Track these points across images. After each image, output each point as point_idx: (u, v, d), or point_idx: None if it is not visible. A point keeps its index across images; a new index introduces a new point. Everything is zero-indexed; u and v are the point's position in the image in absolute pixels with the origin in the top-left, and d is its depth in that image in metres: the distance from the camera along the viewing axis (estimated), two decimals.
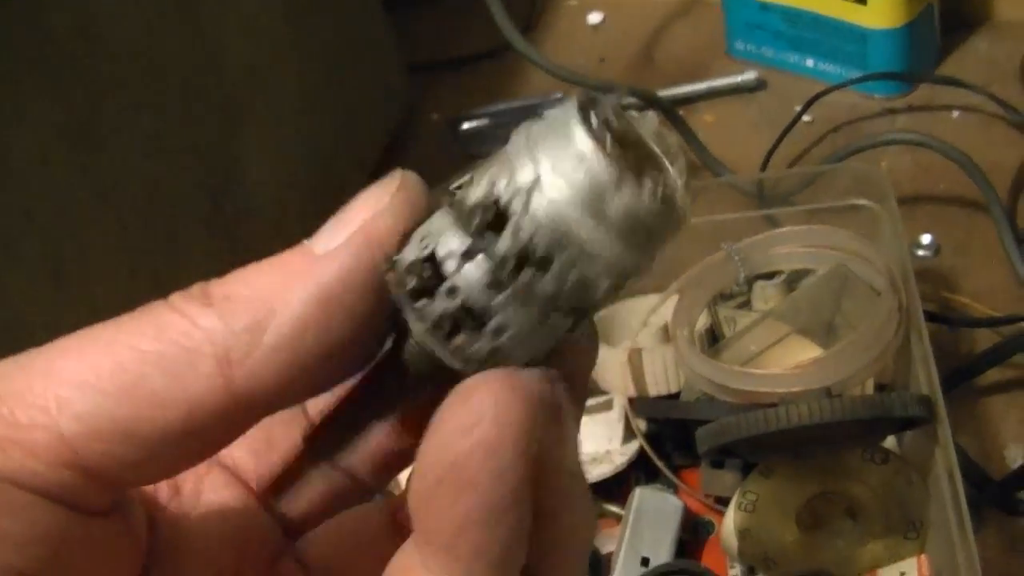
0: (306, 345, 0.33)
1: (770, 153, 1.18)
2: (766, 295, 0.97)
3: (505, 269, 0.32)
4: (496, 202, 0.33)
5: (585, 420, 0.96)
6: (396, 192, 0.36)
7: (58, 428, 0.32)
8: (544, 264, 0.32)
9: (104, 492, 0.33)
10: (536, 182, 0.32)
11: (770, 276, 0.98)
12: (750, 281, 0.98)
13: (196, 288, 0.34)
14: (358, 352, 0.35)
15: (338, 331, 0.34)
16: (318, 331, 0.33)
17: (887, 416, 0.79)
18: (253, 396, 0.33)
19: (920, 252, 1.11)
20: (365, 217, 0.35)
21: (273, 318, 0.33)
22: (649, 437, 0.96)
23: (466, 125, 1.32)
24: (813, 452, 0.85)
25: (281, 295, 0.33)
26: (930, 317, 1.00)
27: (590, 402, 0.99)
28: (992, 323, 1.03)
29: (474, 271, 0.33)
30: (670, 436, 0.97)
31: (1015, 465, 0.97)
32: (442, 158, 1.30)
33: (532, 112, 1.08)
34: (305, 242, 0.35)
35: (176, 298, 0.34)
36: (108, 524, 0.34)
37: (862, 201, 0.96)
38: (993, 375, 1.02)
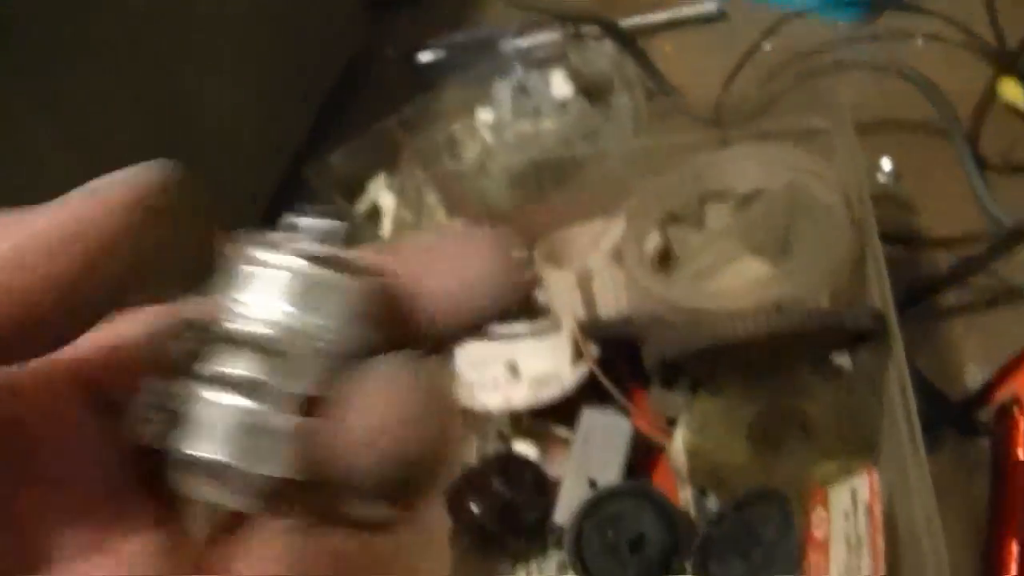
0: None
1: (729, 79, 1.16)
2: (719, 215, 0.95)
3: None
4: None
5: (533, 343, 0.94)
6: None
7: None
8: None
9: None
10: None
11: (723, 197, 0.96)
12: (703, 201, 0.95)
13: None
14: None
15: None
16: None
17: (837, 328, 0.78)
18: None
19: (880, 177, 1.09)
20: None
21: None
22: (601, 362, 0.94)
23: (422, 56, 1.30)
24: (763, 368, 0.83)
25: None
26: (888, 239, 0.98)
27: (539, 324, 0.97)
28: (950, 244, 1.01)
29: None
30: (622, 360, 0.95)
31: (973, 387, 0.95)
32: (399, 90, 1.28)
33: (489, 43, 1.06)
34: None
35: None
36: None
37: (817, 122, 0.93)
38: (953, 298, 1.00)
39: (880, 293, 0.82)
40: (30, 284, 0.29)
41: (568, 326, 0.95)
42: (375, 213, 1.16)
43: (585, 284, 0.94)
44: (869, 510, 0.80)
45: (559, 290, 0.96)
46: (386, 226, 1.08)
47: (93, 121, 0.91)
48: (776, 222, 0.91)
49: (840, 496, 0.83)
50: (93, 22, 0.91)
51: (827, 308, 0.79)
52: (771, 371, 0.83)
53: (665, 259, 0.95)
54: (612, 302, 0.95)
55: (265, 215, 1.19)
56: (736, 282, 0.87)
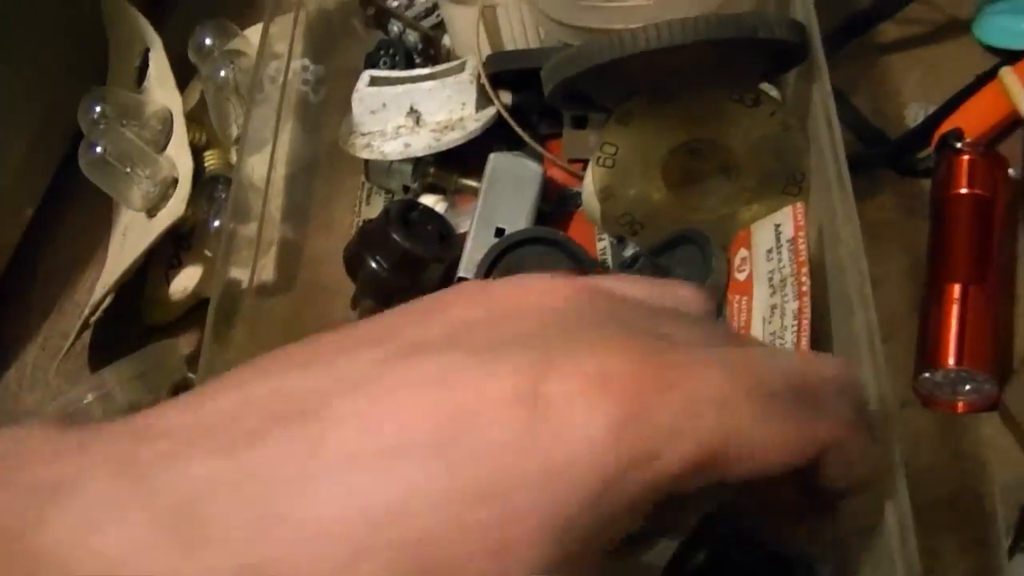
0: None
1: None
2: None
3: None
4: None
5: (435, 85, 0.87)
6: None
7: None
8: None
9: None
10: None
11: None
12: None
13: None
14: None
15: None
16: None
17: (749, 39, 0.69)
18: None
19: None
20: None
21: None
22: (512, 108, 0.86)
23: None
24: (676, 93, 0.75)
25: None
26: None
27: (441, 66, 0.90)
28: None
29: None
30: (534, 105, 0.88)
31: (914, 125, 0.88)
32: None
33: None
34: None
35: None
36: None
37: None
38: (893, 32, 0.93)
39: (802, 7, 0.74)
40: None
41: (472, 66, 0.87)
42: None
43: (489, 19, 0.86)
44: (793, 245, 0.73)
45: (461, 28, 0.89)
46: None
47: None
48: None
49: (763, 234, 0.76)
50: None
51: (738, 16, 0.70)
52: (687, 97, 0.75)
53: None
54: (520, 36, 0.88)
55: None
56: None
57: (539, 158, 0.86)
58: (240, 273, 0.76)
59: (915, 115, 0.89)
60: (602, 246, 0.84)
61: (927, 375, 0.74)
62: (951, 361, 0.74)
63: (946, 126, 0.85)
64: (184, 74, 1.03)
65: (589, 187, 0.79)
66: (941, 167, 0.82)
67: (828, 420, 0.40)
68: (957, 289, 0.76)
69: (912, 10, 0.91)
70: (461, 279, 0.81)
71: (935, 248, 0.80)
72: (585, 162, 0.84)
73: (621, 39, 0.69)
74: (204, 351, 0.70)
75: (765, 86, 0.79)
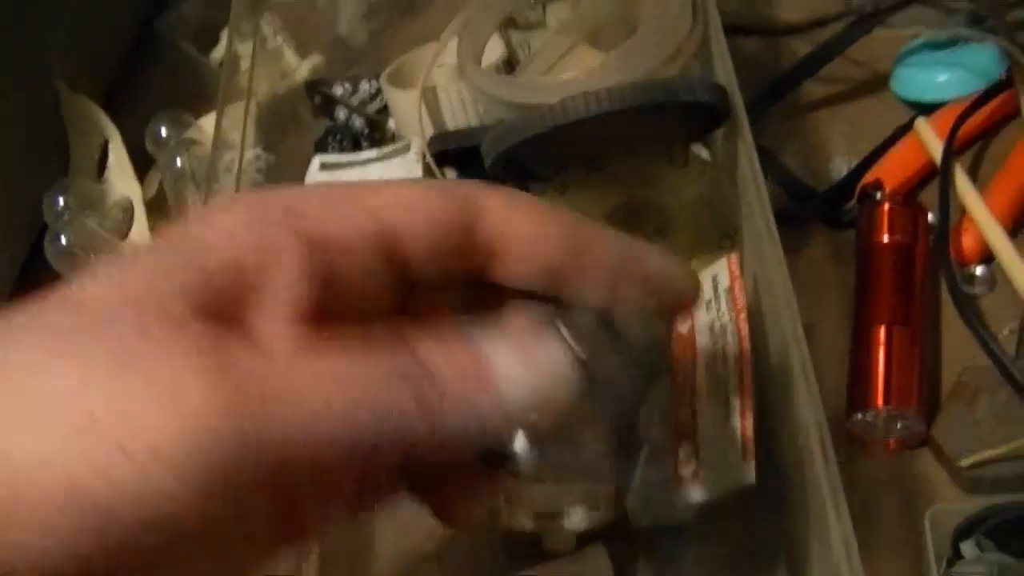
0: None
1: None
2: (559, 13, 0.91)
3: None
4: None
5: (381, 167, 0.91)
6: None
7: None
8: None
9: None
10: None
11: None
12: (543, 3, 0.92)
13: None
14: None
15: None
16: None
17: (672, 102, 0.74)
18: None
19: None
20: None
21: None
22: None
23: None
24: (610, 159, 0.80)
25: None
26: (742, 30, 0.95)
27: (386, 148, 0.94)
28: (804, 29, 0.99)
29: None
30: (475, 178, 0.92)
31: (839, 178, 0.93)
32: None
33: None
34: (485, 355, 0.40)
35: None
36: None
37: None
38: (817, 90, 0.98)
39: (724, 72, 0.79)
40: None
41: (417, 146, 0.91)
42: (232, 62, 1.13)
43: (430, 101, 0.91)
44: (730, 294, 0.77)
45: (405, 110, 0.93)
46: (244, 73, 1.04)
47: None
48: (615, 11, 0.87)
49: (701, 285, 0.80)
50: None
51: (660, 81, 0.75)
52: (619, 163, 0.80)
53: (509, 67, 0.92)
54: (460, 114, 0.92)
55: (119, 72, 1.16)
56: (574, 72, 0.83)
57: None
58: None
59: (839, 168, 0.94)
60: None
61: (859, 415, 0.79)
62: (880, 401, 0.78)
63: (868, 178, 0.90)
64: (143, 164, 1.06)
65: None
66: (863, 217, 0.87)
67: None
68: (883, 331, 0.81)
69: (833, 67, 0.96)
70: None
71: (861, 293, 0.84)
72: None
73: (553, 110, 0.73)
74: None
75: (696, 147, 0.84)
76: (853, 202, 0.91)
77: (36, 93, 1.06)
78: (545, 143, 0.76)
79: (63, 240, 0.97)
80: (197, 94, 1.13)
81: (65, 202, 1.01)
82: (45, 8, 1.03)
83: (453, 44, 0.91)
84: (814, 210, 0.91)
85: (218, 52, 1.14)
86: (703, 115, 0.78)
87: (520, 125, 0.75)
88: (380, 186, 0.42)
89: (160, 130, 1.04)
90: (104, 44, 1.14)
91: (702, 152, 0.86)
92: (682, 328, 0.79)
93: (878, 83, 0.97)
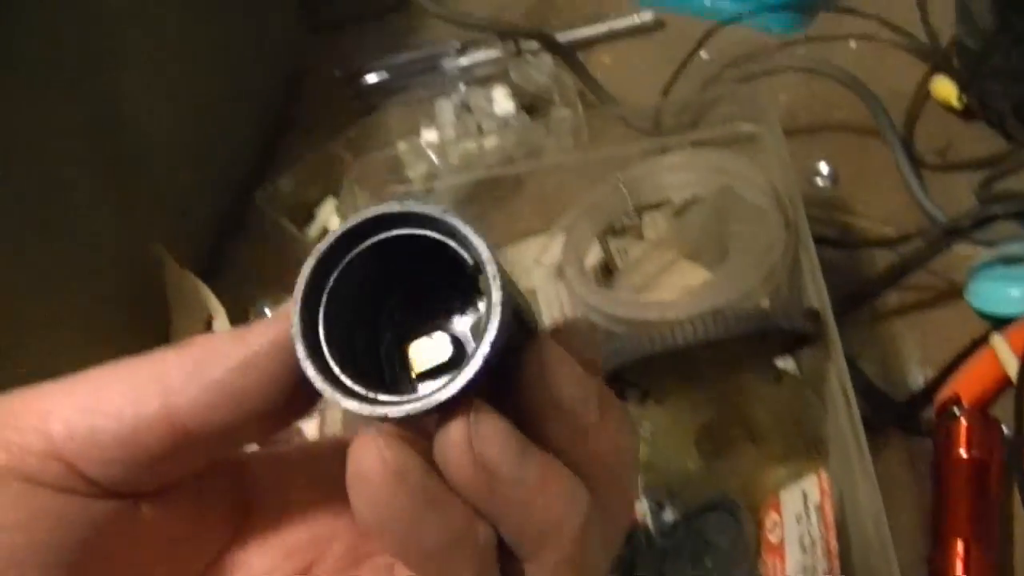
0: (230, 395, 0.40)
1: (667, 89, 1.18)
2: (656, 224, 0.96)
3: None
4: None
5: None
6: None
7: (47, 431, 0.40)
8: None
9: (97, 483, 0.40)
10: None
11: (659, 206, 0.97)
12: (640, 211, 0.97)
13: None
14: (274, 411, 0.41)
15: (255, 389, 0.40)
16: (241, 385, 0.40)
17: (772, 329, 0.79)
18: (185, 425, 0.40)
19: (819, 181, 1.11)
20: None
21: (211, 367, 0.40)
22: None
23: (366, 78, 1.31)
24: (707, 376, 0.84)
25: (222, 350, 0.41)
26: (828, 242, 0.99)
27: None
28: (887, 243, 1.03)
29: None
30: None
31: (916, 387, 0.97)
32: (343, 112, 1.29)
33: (431, 62, 1.06)
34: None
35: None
36: (154, 507, 0.42)
37: (747, 126, 0.95)
38: (894, 299, 1.02)
39: (816, 293, 0.84)
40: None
41: None
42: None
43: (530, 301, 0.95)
44: (820, 511, 0.81)
45: None
46: None
47: (30, 149, 0.91)
48: (711, 228, 0.92)
49: (791, 499, 0.84)
50: (26, 47, 0.90)
51: (762, 310, 0.80)
52: (716, 378, 0.84)
53: (606, 271, 0.97)
54: (557, 318, 0.96)
55: (215, 242, 1.20)
56: (675, 290, 0.88)
57: None
58: None
59: (915, 377, 0.98)
60: (641, 508, 0.92)
61: None
62: None
63: (944, 390, 0.94)
64: None
65: None
66: (941, 432, 0.91)
67: None
68: (960, 545, 0.85)
69: (910, 277, 1.00)
70: None
71: (939, 506, 0.88)
72: None
73: (663, 334, 0.78)
74: None
75: (783, 358, 0.88)
76: (929, 411, 0.94)
77: (137, 264, 1.08)
78: (648, 360, 0.80)
79: None
80: (292, 269, 1.18)
81: None
82: (150, 179, 1.06)
83: (549, 243, 0.96)
84: (891, 417, 0.95)
85: (313, 229, 1.18)
86: (797, 338, 0.83)
87: (630, 347, 0.79)
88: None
89: (263, 312, 1.09)
90: (206, 216, 1.18)
91: (788, 363, 0.90)
92: (772, 537, 0.83)
93: (953, 294, 1.01)
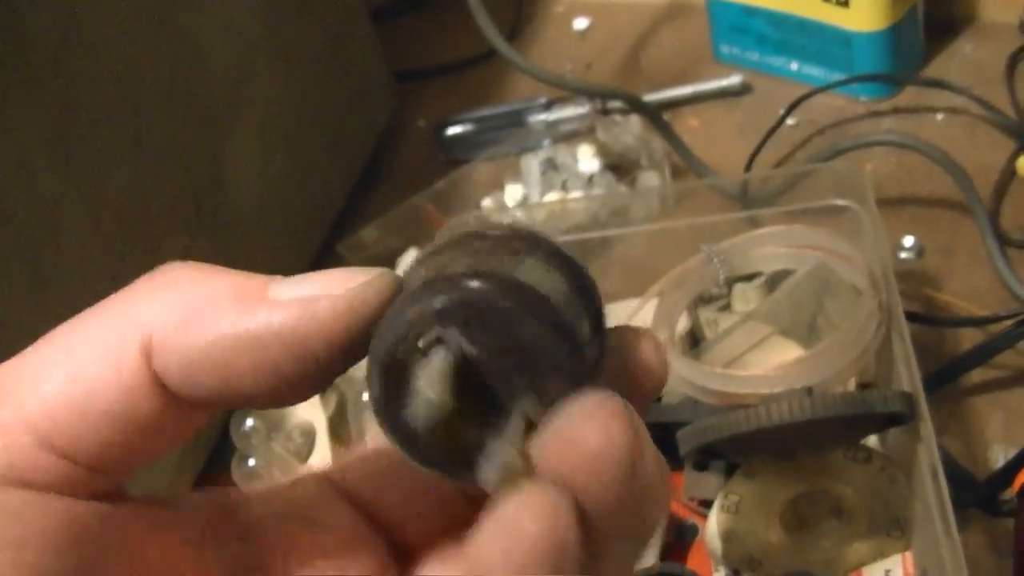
0: (212, 370, 0.36)
1: (753, 155, 1.18)
2: (747, 296, 0.97)
3: None
4: None
5: None
6: (368, 283, 0.37)
7: (26, 416, 0.35)
8: None
9: (92, 476, 0.36)
10: None
11: (750, 278, 0.98)
12: (730, 283, 0.97)
13: None
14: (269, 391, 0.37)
15: (251, 375, 0.36)
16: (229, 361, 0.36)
17: (868, 413, 0.79)
18: (173, 387, 0.36)
19: (903, 254, 1.11)
20: (328, 290, 0.37)
21: (201, 328, 0.36)
22: None
23: (450, 131, 1.32)
24: (796, 452, 0.85)
25: (213, 312, 0.36)
26: (913, 317, 1.00)
27: None
28: (975, 322, 1.03)
29: None
30: (654, 441, 0.96)
31: (998, 466, 0.97)
32: (428, 164, 1.31)
33: (517, 116, 1.08)
34: (272, 280, 0.38)
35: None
36: (152, 509, 0.38)
37: (842, 201, 0.95)
38: (977, 376, 1.02)
39: (908, 375, 0.84)
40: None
41: None
42: None
43: None
44: None
45: None
46: None
47: (125, 200, 0.92)
48: (803, 303, 0.93)
49: None
50: (118, 99, 0.92)
51: (857, 392, 0.81)
52: (805, 454, 0.85)
53: (694, 340, 0.97)
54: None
55: None
56: (766, 364, 0.88)
57: None
58: None
59: (997, 456, 0.98)
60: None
61: None
62: None
63: None
64: None
65: (713, 528, 0.88)
66: (1022, 513, 0.90)
67: None
68: None
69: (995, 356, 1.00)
70: None
71: None
72: (704, 500, 0.93)
73: (757, 412, 0.78)
74: None
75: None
76: (1011, 492, 0.94)
77: None
78: (740, 438, 0.81)
79: (251, 463, 1.02)
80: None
81: (253, 424, 1.06)
82: (242, 235, 1.08)
83: (639, 308, 0.97)
84: (973, 497, 0.95)
85: None
86: (890, 419, 0.83)
87: (724, 423, 0.80)
88: None
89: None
90: (287, 263, 1.19)
91: (871, 439, 0.91)
92: None
93: None
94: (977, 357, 0.99)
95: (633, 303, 0.99)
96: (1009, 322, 0.98)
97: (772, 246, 0.94)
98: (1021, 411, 1.00)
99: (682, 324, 0.96)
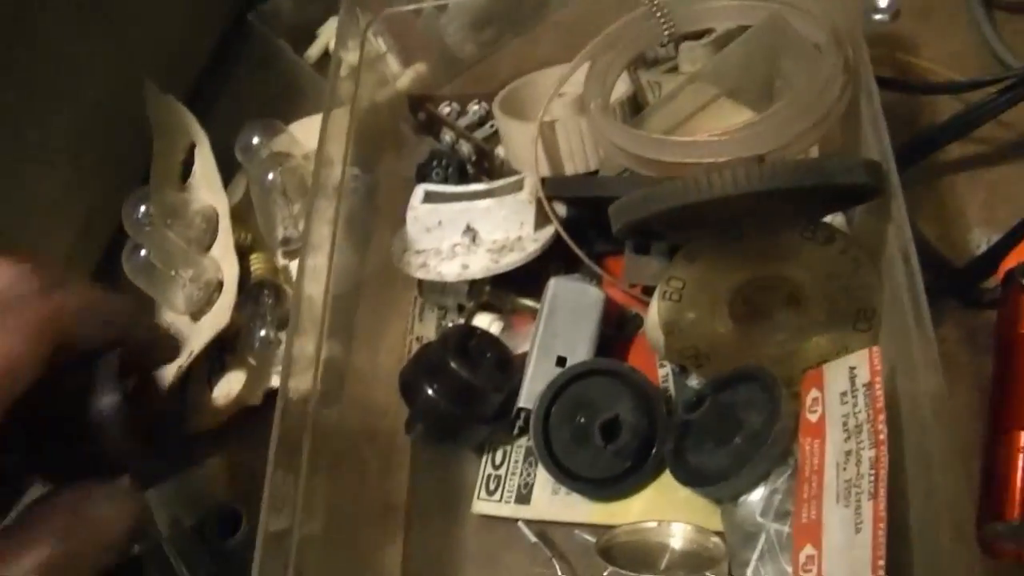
0: None
1: None
2: (695, 57, 0.86)
3: None
4: None
5: (493, 203, 0.85)
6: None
7: None
8: None
9: None
10: None
11: (700, 36, 0.87)
12: (676, 41, 0.87)
13: None
14: None
15: None
16: None
17: (828, 183, 0.68)
18: None
19: (877, 16, 0.98)
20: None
21: None
22: (568, 223, 0.85)
23: None
24: (745, 231, 0.74)
25: None
26: (885, 83, 0.88)
27: (498, 183, 0.88)
28: (954, 88, 0.92)
29: None
30: (591, 221, 0.86)
31: (979, 251, 0.87)
32: None
33: None
34: None
35: None
36: None
37: None
38: (956, 151, 0.92)
39: (877, 143, 0.73)
40: None
41: (530, 185, 0.86)
42: (326, 59, 1.08)
43: (548, 137, 0.85)
44: (870, 391, 0.71)
45: (518, 143, 0.87)
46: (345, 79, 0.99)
47: None
48: (756, 61, 0.81)
49: (837, 375, 0.74)
50: None
51: (815, 160, 0.69)
52: (755, 234, 0.74)
53: (635, 107, 0.86)
54: (579, 155, 0.86)
55: (210, 65, 1.11)
56: (714, 129, 0.77)
57: (597, 277, 0.85)
58: (300, 390, 0.74)
59: (978, 240, 0.88)
60: (664, 373, 0.83)
61: (995, 526, 0.73)
62: (1017, 514, 0.72)
63: (1013, 256, 0.83)
64: (225, 170, 1.01)
65: (654, 319, 0.78)
66: (1007, 304, 0.80)
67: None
68: (1023, 437, 0.75)
69: (978, 128, 0.90)
70: (522, 410, 0.80)
71: (999, 390, 0.78)
72: (647, 287, 0.83)
73: (697, 184, 0.67)
74: (269, 474, 0.68)
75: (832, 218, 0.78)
76: (994, 280, 0.84)
77: (119, 90, 1.02)
78: (680, 212, 0.70)
79: (143, 253, 0.92)
80: (288, 95, 1.08)
81: (147, 211, 0.95)
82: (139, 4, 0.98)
83: (573, 72, 0.86)
84: (949, 285, 0.85)
85: (313, 50, 1.08)
86: (852, 192, 0.72)
87: (659, 194, 0.69)
88: None
89: (251, 138, 0.99)
90: (193, 38, 1.10)
91: (837, 219, 0.80)
92: (811, 416, 0.74)
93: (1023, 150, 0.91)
94: (956, 129, 0.88)
95: (566, 67, 0.87)
96: (992, 89, 0.87)
97: None
98: (1005, 191, 0.90)
99: (622, 89, 0.86)
